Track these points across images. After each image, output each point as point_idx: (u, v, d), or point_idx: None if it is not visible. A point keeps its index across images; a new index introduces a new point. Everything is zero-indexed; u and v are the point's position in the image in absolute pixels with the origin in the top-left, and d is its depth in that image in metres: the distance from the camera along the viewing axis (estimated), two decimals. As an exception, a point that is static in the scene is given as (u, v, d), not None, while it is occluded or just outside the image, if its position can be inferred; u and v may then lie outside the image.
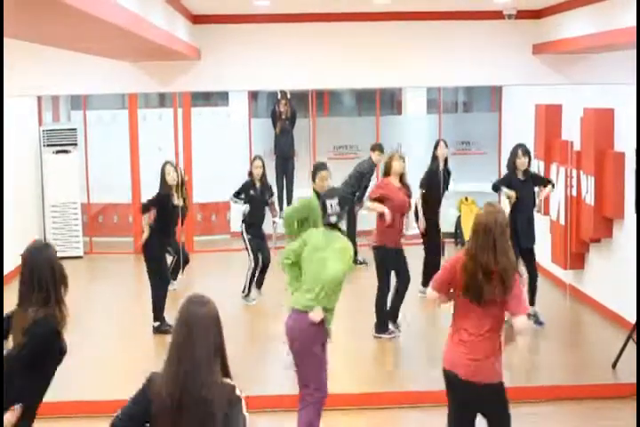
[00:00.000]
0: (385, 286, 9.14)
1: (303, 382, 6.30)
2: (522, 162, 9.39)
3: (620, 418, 7.22)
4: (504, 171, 13.72)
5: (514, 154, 9.50)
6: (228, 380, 3.69)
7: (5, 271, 10.35)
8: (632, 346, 7.95)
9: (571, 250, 10.29)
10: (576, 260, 10.41)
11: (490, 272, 5.06)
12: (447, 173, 10.79)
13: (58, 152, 13.27)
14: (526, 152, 9.45)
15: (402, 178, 9.26)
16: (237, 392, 3.67)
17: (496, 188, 9.66)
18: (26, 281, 4.71)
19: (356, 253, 12.31)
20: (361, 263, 12.03)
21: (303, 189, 13.89)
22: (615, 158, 9.39)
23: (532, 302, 9.20)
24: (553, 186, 9.76)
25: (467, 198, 13.85)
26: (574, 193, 10.28)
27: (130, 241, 13.61)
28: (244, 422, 3.64)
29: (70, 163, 13.35)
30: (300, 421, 6.27)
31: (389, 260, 9.13)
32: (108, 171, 13.88)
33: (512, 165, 9.49)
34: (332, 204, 6.39)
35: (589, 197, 9.84)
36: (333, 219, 6.40)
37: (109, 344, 9.30)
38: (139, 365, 8.54)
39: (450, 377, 5.28)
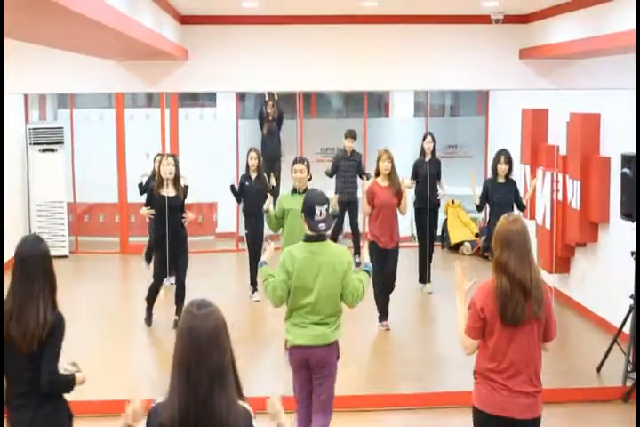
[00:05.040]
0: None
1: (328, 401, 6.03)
2: (502, 168, 9.82)
3: (604, 422, 7.25)
4: (490, 174, 13.87)
5: (496, 159, 9.99)
6: (242, 402, 3.29)
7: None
8: (617, 350, 7.98)
9: (556, 254, 10.31)
10: (561, 264, 10.44)
11: (527, 290, 4.67)
12: (436, 163, 11.29)
13: (44, 151, 13.22)
14: (508, 159, 9.87)
15: (390, 177, 9.43)
16: (253, 420, 3.31)
17: (480, 208, 10.16)
18: None
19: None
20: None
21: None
22: (601, 163, 9.43)
23: None
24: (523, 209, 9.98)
25: (453, 201, 13.87)
26: (560, 197, 10.31)
27: (116, 241, 13.58)
28: None
29: (56, 161, 13.31)
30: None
31: (376, 256, 9.28)
32: (95, 170, 13.82)
33: (494, 169, 9.97)
34: (322, 210, 5.75)
35: (575, 202, 9.87)
36: (322, 226, 5.76)
37: (96, 344, 9.27)
38: (127, 365, 8.55)
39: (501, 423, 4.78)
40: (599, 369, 8.13)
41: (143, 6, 6.09)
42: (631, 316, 7.81)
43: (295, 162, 8.80)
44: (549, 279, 10.49)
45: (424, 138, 11.36)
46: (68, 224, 13.44)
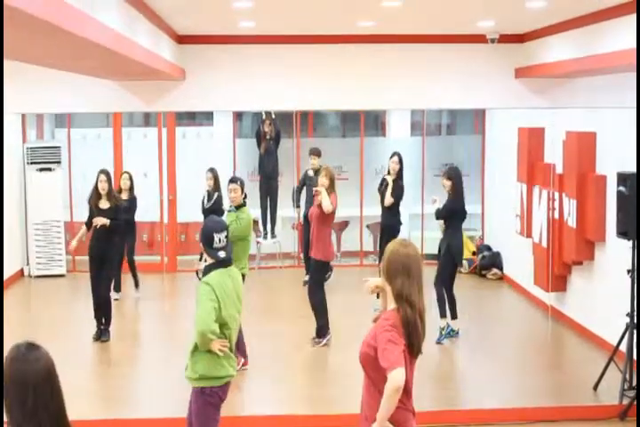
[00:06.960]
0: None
1: None
2: (446, 184, 10.02)
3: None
4: (487, 193, 13.92)
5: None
6: None
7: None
8: (613, 368, 7.97)
9: (553, 272, 10.33)
10: (558, 282, 10.44)
11: (423, 320, 4.46)
12: (399, 187, 10.97)
13: (41, 170, 13.25)
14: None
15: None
16: None
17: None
18: None
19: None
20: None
21: (287, 209, 13.94)
22: (597, 181, 9.45)
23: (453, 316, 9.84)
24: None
25: (450, 220, 13.86)
26: (556, 216, 10.33)
27: (112, 260, 13.55)
28: None
29: (54, 181, 13.33)
30: None
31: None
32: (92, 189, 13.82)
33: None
34: (221, 237, 5.52)
35: (571, 220, 9.89)
36: (222, 254, 5.53)
37: (94, 363, 9.25)
38: (126, 382, 8.52)
39: None
40: (596, 387, 8.12)
41: (141, 26, 6.12)
42: (627, 334, 7.81)
43: (229, 181, 8.82)
44: (546, 297, 10.53)
45: (391, 157, 11.12)
46: (65, 243, 13.43)
